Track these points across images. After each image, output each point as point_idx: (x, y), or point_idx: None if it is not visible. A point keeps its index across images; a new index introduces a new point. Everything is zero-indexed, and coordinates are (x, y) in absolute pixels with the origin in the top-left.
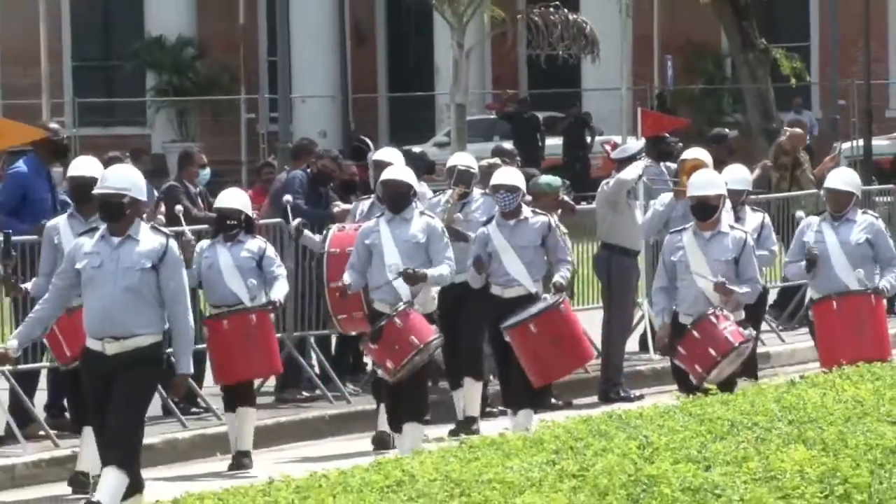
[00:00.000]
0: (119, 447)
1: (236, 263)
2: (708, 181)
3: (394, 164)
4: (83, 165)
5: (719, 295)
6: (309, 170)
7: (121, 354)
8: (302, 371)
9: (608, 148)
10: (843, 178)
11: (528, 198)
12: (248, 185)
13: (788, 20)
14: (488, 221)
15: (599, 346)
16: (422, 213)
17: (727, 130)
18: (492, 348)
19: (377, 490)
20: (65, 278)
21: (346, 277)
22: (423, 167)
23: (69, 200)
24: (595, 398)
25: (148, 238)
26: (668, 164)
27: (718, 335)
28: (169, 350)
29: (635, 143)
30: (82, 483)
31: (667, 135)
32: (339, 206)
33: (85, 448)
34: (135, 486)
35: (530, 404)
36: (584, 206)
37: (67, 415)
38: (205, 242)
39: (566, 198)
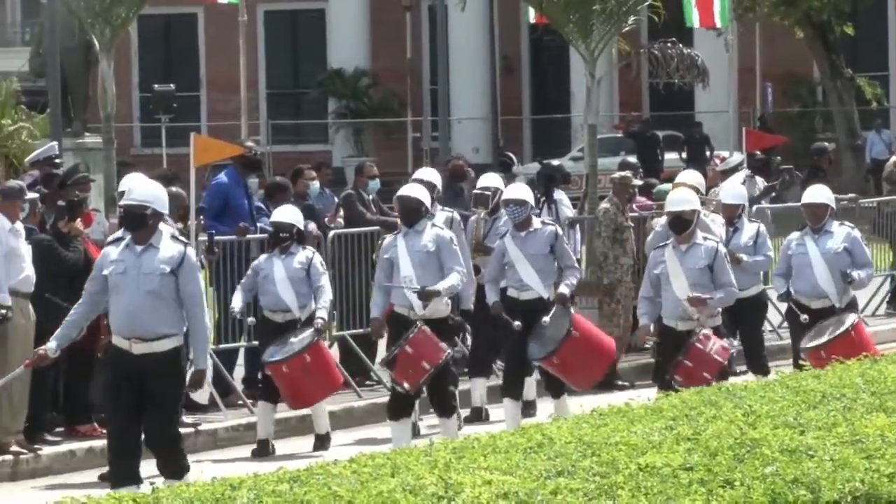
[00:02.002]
0: (171, 463)
1: (288, 274)
2: (682, 199)
3: (432, 181)
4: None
5: (695, 305)
6: (449, 164)
7: (147, 356)
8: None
9: (717, 161)
10: (818, 193)
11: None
12: None
13: (870, 53)
14: (505, 234)
15: None
16: (433, 226)
17: (826, 144)
18: (509, 347)
19: (521, 451)
20: (95, 284)
21: (373, 310)
22: (560, 177)
23: (262, 206)
24: None
25: (168, 246)
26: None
27: (708, 358)
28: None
29: (737, 157)
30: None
31: (757, 153)
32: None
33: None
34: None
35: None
36: None
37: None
38: (263, 256)
39: None
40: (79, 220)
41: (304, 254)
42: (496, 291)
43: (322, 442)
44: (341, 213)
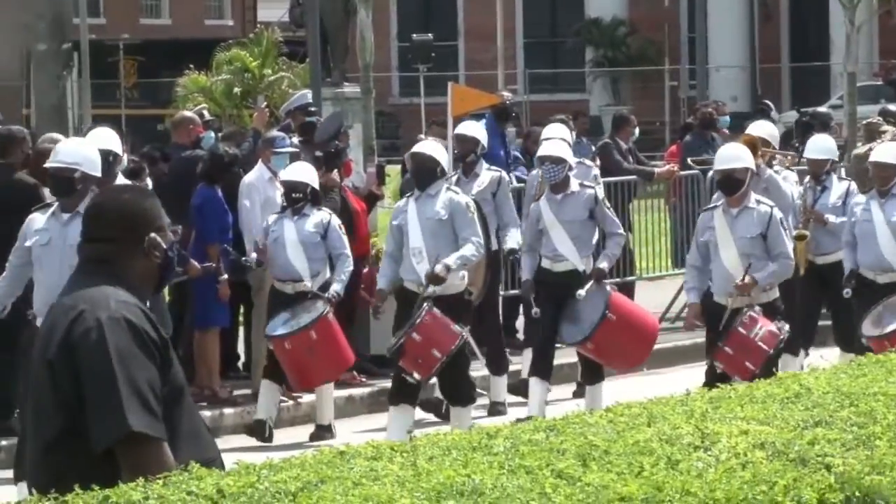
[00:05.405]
0: None
1: (300, 238)
2: (734, 155)
3: (476, 136)
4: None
5: (745, 291)
6: (698, 112)
7: None
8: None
9: None
10: (885, 152)
11: (596, 171)
12: (670, 143)
13: None
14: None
15: None
16: (448, 189)
17: None
18: (541, 321)
19: (778, 400)
20: (19, 256)
21: (379, 281)
22: (819, 126)
23: (519, 156)
24: None
25: None
26: None
27: (751, 346)
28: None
29: None
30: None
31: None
32: None
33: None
34: None
35: (599, 379)
36: None
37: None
38: (272, 217)
39: None
40: (335, 170)
41: (319, 216)
42: (531, 266)
43: (322, 433)
44: (598, 161)
